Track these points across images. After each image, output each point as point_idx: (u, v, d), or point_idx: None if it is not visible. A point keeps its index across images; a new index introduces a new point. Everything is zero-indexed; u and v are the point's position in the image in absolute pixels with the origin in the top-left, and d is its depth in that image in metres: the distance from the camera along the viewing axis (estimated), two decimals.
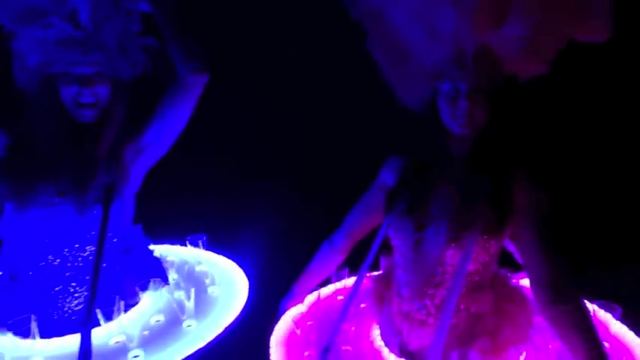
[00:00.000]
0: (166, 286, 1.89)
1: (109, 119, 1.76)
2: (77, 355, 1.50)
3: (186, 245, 2.18)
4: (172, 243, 2.23)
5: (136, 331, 1.65)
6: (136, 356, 1.59)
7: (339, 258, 1.90)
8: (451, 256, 1.51)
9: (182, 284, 1.95)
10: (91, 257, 1.78)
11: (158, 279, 1.89)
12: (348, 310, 1.63)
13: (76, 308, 1.78)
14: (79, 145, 1.75)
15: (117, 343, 1.65)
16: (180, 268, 2.05)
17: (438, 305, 1.54)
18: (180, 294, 1.89)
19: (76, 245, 1.77)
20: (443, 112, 1.51)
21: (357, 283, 1.65)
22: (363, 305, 1.80)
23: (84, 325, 1.56)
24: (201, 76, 1.84)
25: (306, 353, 1.63)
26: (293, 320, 1.78)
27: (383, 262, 1.88)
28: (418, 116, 1.61)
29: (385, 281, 1.75)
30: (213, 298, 1.89)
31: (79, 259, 1.78)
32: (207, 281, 1.98)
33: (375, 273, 1.87)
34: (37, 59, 1.65)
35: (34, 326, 1.62)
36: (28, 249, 1.76)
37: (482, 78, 1.44)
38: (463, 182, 1.52)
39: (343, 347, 1.64)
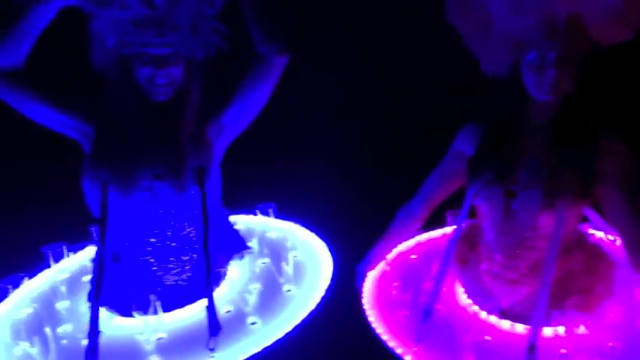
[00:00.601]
0: (251, 254, 2.01)
1: (186, 99, 1.80)
2: (208, 325, 1.62)
3: (255, 214, 2.28)
4: (239, 212, 2.31)
5: (243, 299, 1.77)
6: (253, 323, 1.70)
7: (416, 225, 1.99)
8: (544, 221, 1.59)
9: (265, 251, 2.05)
10: (192, 235, 1.88)
11: (246, 249, 1.99)
12: (445, 272, 1.70)
13: (178, 282, 1.87)
14: (162, 127, 1.80)
15: (228, 312, 1.76)
16: (258, 236, 2.14)
17: (531, 265, 1.64)
18: (264, 261, 2.00)
19: (174, 224, 1.85)
20: (527, 80, 1.54)
21: (449, 248, 1.74)
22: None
23: (208, 297, 1.68)
24: (284, 56, 1.88)
25: (404, 315, 1.72)
26: (381, 281, 1.89)
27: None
28: (499, 84, 1.65)
29: (466, 243, 1.81)
30: (300, 262, 1.99)
31: (177, 237, 1.86)
32: (288, 246, 2.08)
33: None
34: (113, 40, 1.68)
35: (154, 303, 1.71)
36: (130, 231, 1.83)
37: (570, 46, 1.47)
38: (551, 149, 1.59)
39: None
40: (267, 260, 2.02)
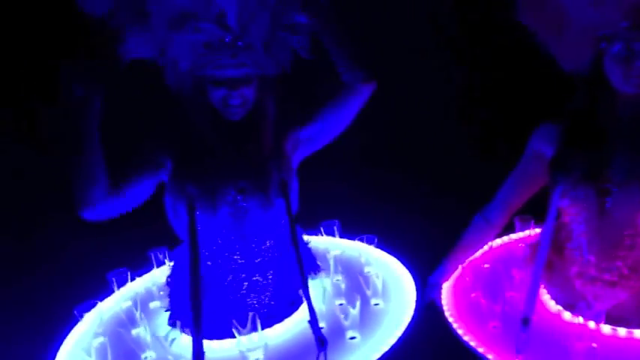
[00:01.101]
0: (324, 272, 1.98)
1: (262, 115, 1.79)
2: (314, 339, 1.60)
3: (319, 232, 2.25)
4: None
5: (334, 315, 1.74)
6: (352, 337, 1.67)
7: (495, 232, 1.94)
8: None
9: (339, 268, 2.02)
10: (275, 252, 1.85)
11: (318, 268, 1.98)
12: (539, 279, 1.64)
13: (263, 301, 1.82)
14: (242, 143, 1.78)
15: (322, 328, 1.71)
16: (324, 253, 2.11)
17: (631, 265, 1.58)
18: (338, 277, 1.98)
19: (257, 240, 1.82)
20: (612, 74, 1.50)
21: (541, 254, 1.66)
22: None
23: (310, 311, 1.66)
24: (369, 84, 1.88)
25: (493, 325, 1.67)
26: (458, 292, 1.85)
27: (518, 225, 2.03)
28: (579, 79, 1.60)
29: (551, 248, 1.72)
30: (377, 276, 1.94)
31: (261, 254, 1.83)
32: (363, 261, 2.05)
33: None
34: (187, 63, 1.67)
35: (251, 321, 1.67)
36: (213, 250, 1.79)
37: None
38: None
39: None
40: (340, 277, 1.99)
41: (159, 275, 2.15)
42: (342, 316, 1.71)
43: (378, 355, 1.58)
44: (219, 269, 1.80)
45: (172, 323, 1.79)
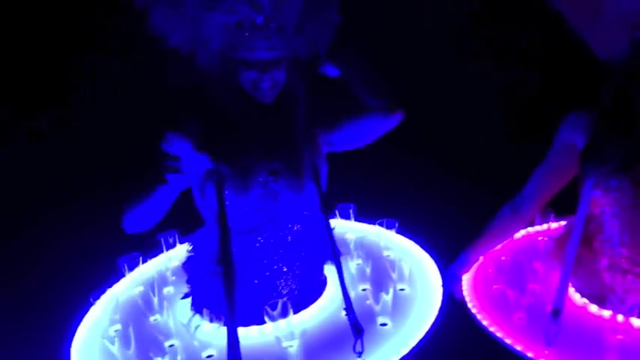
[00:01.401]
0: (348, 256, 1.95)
1: (292, 97, 1.74)
2: (350, 326, 1.55)
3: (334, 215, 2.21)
4: None
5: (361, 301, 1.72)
6: (383, 324, 1.65)
7: (523, 224, 1.92)
8: None
9: (360, 252, 1.99)
10: (303, 237, 1.81)
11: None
12: (570, 270, 1.61)
13: (290, 287, 1.78)
14: (273, 125, 1.73)
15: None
16: (341, 237, 2.06)
17: None
18: (358, 262, 1.96)
19: (288, 224, 1.77)
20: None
21: (572, 246, 1.62)
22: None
23: (345, 298, 1.63)
24: (399, 112, 1.84)
25: (518, 317, 1.64)
26: (480, 283, 1.82)
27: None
28: (613, 67, 1.57)
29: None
30: (399, 261, 1.91)
31: (289, 237, 1.78)
32: (382, 245, 2.03)
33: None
34: (218, 44, 1.62)
35: (283, 307, 1.61)
36: (241, 234, 1.72)
37: None
38: None
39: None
40: (360, 261, 1.96)
41: (170, 259, 2.09)
42: (371, 301, 1.69)
43: (414, 343, 1.56)
44: (247, 253, 1.73)
45: (197, 309, 1.74)
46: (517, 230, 1.95)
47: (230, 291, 1.56)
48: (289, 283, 1.77)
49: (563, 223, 1.98)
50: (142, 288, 1.94)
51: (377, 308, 1.66)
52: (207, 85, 1.71)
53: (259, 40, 1.58)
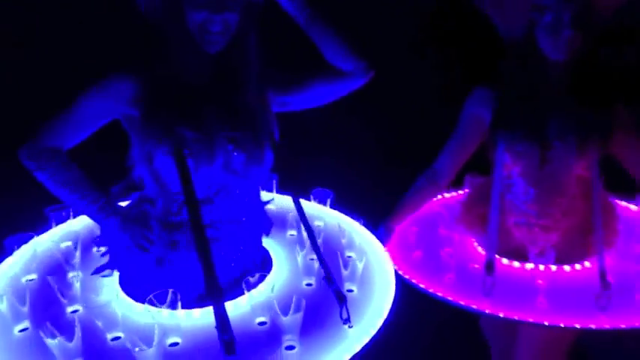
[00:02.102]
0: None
1: (244, 52, 1.55)
2: (333, 295, 1.46)
3: None
4: None
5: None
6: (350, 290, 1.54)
7: (438, 192, 2.06)
8: (575, 168, 1.77)
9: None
10: (251, 210, 1.64)
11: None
12: (495, 230, 1.77)
13: (246, 261, 1.63)
14: (225, 83, 1.54)
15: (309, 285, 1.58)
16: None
17: (563, 211, 1.80)
18: (292, 232, 1.86)
19: (245, 198, 1.60)
20: (542, 41, 1.65)
21: (494, 203, 1.80)
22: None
23: (325, 269, 1.53)
24: (370, 73, 1.68)
25: (448, 277, 1.72)
26: (404, 248, 1.87)
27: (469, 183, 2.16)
28: (512, 44, 1.76)
29: (483, 202, 1.88)
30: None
31: (248, 212, 1.62)
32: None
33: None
34: None
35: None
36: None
37: (584, 8, 1.59)
38: (575, 102, 1.72)
39: (472, 265, 1.77)
40: (294, 232, 1.84)
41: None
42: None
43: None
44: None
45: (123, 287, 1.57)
46: (432, 198, 2.07)
47: (209, 265, 1.39)
48: (244, 255, 1.62)
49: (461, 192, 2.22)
50: (69, 243, 1.75)
51: (345, 273, 1.56)
52: (150, 31, 1.48)
53: None
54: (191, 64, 1.48)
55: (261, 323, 1.39)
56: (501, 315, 1.58)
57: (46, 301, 1.51)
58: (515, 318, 1.56)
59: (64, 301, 1.48)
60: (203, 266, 1.39)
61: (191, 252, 1.47)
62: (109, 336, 1.35)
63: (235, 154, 1.51)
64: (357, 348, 1.31)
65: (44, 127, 1.49)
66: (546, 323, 1.54)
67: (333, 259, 1.59)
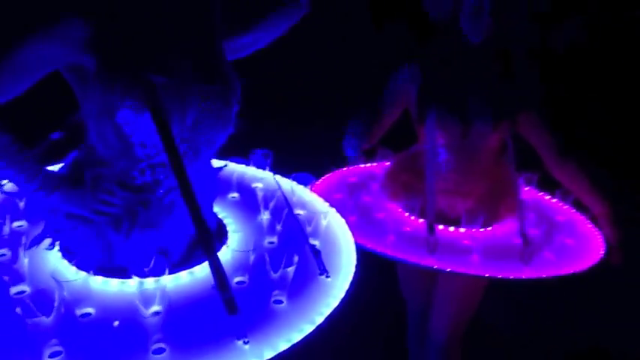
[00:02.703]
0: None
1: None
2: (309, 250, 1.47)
3: None
4: None
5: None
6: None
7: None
8: (491, 140, 2.00)
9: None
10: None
11: None
12: (434, 197, 1.94)
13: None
14: (190, 31, 1.41)
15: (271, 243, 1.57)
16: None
17: (480, 177, 2.04)
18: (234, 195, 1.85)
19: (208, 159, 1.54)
20: (465, 26, 1.87)
21: (430, 173, 1.99)
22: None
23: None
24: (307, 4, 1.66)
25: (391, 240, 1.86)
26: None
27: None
28: (439, 27, 1.97)
29: (408, 172, 2.12)
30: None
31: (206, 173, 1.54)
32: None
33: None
34: None
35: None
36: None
37: None
38: (491, 82, 1.97)
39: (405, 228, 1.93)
40: (235, 194, 1.84)
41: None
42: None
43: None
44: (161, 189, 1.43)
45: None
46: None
47: (201, 222, 1.30)
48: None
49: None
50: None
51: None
52: None
53: None
54: (153, 4, 1.33)
55: (240, 282, 1.36)
56: (448, 269, 1.74)
57: None
58: (460, 271, 1.75)
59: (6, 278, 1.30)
60: (195, 224, 1.29)
61: (164, 211, 1.39)
62: (79, 312, 1.23)
63: (206, 112, 1.39)
64: (340, 295, 1.35)
65: None
66: (487, 275, 1.75)
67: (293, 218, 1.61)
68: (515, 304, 3.18)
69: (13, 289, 1.26)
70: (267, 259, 1.33)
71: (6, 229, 1.50)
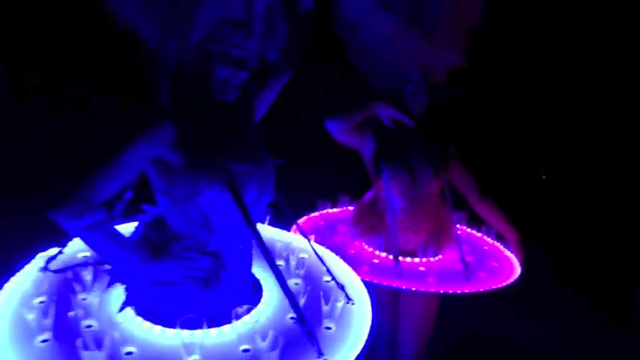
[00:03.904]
0: None
1: (249, 97, 1.85)
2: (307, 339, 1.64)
3: None
4: None
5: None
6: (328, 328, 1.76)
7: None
8: (432, 187, 2.58)
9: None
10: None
11: None
12: (396, 234, 2.51)
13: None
14: (239, 125, 1.80)
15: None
16: None
17: (427, 216, 2.62)
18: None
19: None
20: (408, 101, 2.50)
21: (392, 212, 2.55)
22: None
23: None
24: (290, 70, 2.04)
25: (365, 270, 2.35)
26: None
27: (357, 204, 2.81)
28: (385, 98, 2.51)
29: (372, 215, 2.66)
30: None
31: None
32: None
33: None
34: (199, 36, 1.64)
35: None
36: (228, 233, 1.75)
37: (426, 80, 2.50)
38: (428, 144, 2.58)
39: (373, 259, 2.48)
40: (282, 262, 2.09)
41: None
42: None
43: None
44: (232, 255, 1.77)
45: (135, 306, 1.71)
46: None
47: (282, 278, 1.68)
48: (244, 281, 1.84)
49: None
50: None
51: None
52: (176, 83, 1.70)
53: (241, 39, 1.65)
54: (214, 110, 1.71)
55: (245, 350, 1.58)
56: (414, 289, 2.31)
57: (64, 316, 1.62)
58: (423, 290, 2.31)
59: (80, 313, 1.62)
60: (280, 282, 1.67)
61: (236, 270, 1.75)
62: (124, 350, 1.52)
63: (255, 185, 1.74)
64: (369, 317, 1.77)
65: (88, 186, 1.54)
66: (441, 291, 2.32)
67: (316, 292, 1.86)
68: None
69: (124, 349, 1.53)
70: (270, 336, 1.56)
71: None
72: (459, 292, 2.29)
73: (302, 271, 2.00)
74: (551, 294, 4.25)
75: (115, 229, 1.63)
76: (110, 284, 1.71)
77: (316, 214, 2.85)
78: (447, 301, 2.45)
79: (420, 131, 2.51)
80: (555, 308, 4.13)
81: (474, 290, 2.31)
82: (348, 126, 2.53)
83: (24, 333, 1.54)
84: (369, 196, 2.72)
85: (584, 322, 3.93)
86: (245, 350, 1.56)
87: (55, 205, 1.51)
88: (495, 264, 2.56)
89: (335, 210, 2.92)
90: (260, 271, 1.96)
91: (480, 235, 2.85)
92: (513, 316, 3.93)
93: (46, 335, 1.53)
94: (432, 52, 2.42)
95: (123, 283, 1.70)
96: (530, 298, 3.65)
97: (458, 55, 2.45)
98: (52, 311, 1.57)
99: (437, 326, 2.69)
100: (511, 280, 2.40)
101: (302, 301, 1.76)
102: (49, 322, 1.54)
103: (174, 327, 1.55)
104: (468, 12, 2.40)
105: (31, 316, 1.55)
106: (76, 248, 1.95)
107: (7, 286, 1.73)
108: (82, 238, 1.59)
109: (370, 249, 2.57)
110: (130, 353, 1.51)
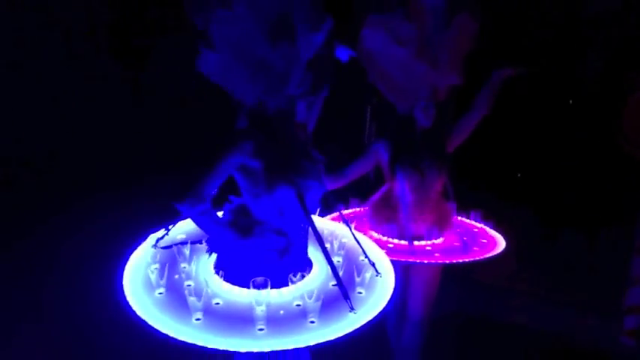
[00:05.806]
0: None
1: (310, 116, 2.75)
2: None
3: None
4: None
5: None
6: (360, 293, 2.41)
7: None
8: (437, 184, 3.22)
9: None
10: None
11: None
12: (408, 224, 3.25)
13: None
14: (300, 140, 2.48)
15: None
16: None
17: (430, 209, 3.25)
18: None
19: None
20: (417, 116, 3.14)
21: (405, 203, 3.24)
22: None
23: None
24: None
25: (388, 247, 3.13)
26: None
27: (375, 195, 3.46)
28: (402, 117, 3.21)
29: (386, 208, 3.30)
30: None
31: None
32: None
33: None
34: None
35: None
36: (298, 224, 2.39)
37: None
38: (434, 147, 3.22)
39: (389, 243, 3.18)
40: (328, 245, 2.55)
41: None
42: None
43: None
44: (296, 236, 2.38)
45: (218, 270, 2.35)
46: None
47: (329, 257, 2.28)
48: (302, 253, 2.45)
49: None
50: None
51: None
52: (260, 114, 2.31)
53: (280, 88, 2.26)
54: (285, 130, 2.33)
55: (297, 305, 2.15)
56: (425, 261, 3.01)
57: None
58: (432, 261, 3.02)
59: (183, 276, 2.32)
60: (327, 258, 2.25)
61: (297, 247, 2.38)
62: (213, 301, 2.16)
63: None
64: (392, 286, 2.34)
65: (201, 184, 2.15)
66: (447, 262, 2.98)
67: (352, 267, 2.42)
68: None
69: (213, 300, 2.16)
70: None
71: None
72: (459, 261, 2.99)
73: (342, 252, 2.55)
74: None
75: (216, 214, 2.24)
76: (208, 253, 2.36)
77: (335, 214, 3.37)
78: (447, 275, 3.33)
79: (428, 139, 3.16)
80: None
81: (469, 258, 3.00)
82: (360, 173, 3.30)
83: (148, 288, 2.21)
84: (380, 193, 3.38)
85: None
86: (297, 305, 2.14)
87: (177, 199, 2.13)
88: (484, 240, 3.27)
89: (349, 211, 3.56)
90: (312, 250, 2.50)
91: (469, 221, 3.55)
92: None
93: (162, 290, 2.20)
94: (437, 76, 3.03)
95: (217, 253, 2.33)
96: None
97: (456, 76, 3.05)
98: (164, 274, 2.23)
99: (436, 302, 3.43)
100: (497, 251, 3.10)
101: (341, 273, 2.30)
102: (163, 281, 2.24)
103: (248, 287, 2.15)
104: (463, 42, 3.02)
105: (152, 277, 2.24)
106: (178, 231, 2.62)
107: (132, 256, 2.41)
108: (195, 221, 2.19)
109: (385, 238, 3.26)
110: (217, 304, 2.14)
